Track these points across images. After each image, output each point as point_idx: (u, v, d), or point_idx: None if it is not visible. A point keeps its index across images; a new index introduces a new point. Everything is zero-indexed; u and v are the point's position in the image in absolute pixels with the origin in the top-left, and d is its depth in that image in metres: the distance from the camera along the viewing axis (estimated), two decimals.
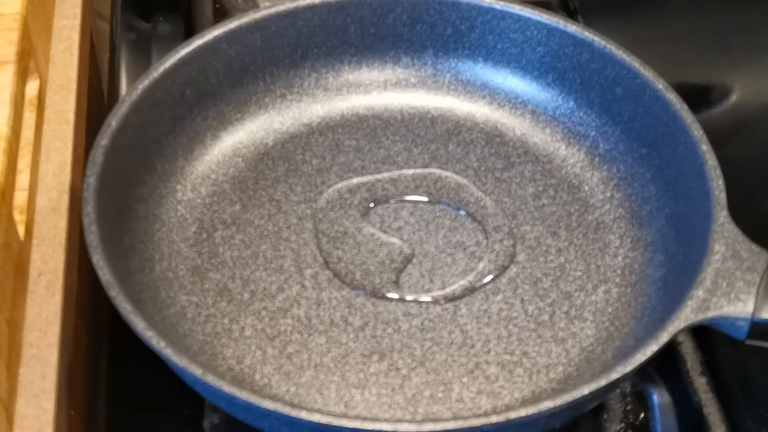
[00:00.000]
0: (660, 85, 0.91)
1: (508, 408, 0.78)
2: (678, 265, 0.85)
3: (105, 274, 0.76)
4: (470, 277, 0.88)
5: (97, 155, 0.84)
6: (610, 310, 0.86)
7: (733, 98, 1.08)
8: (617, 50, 0.94)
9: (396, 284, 0.88)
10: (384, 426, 0.70)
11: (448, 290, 0.87)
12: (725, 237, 0.79)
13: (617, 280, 0.88)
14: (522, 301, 0.87)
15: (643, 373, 0.78)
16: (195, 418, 0.82)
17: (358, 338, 0.84)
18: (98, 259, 0.77)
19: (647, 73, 0.92)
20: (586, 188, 0.95)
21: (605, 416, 0.84)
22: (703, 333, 0.86)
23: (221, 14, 1.11)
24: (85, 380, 0.83)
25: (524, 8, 0.97)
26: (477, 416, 0.71)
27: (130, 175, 0.88)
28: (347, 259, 0.89)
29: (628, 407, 0.85)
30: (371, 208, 0.93)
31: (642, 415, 0.84)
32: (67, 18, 0.99)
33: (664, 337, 0.74)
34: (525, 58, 0.99)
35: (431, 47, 1.01)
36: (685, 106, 0.89)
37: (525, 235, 0.92)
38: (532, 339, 0.84)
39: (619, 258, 0.90)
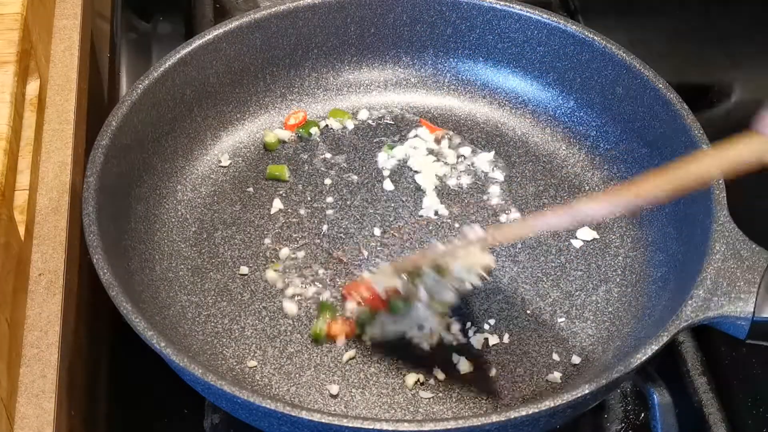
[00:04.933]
0: (660, 84, 0.91)
1: (509, 408, 0.78)
2: (678, 264, 0.85)
3: (105, 274, 0.76)
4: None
5: (97, 155, 0.84)
6: (610, 309, 0.86)
7: (733, 98, 1.08)
8: (617, 50, 0.94)
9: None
10: (385, 426, 0.70)
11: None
12: (725, 236, 0.79)
13: (618, 279, 0.88)
14: (522, 300, 0.87)
15: (643, 372, 0.78)
16: (195, 417, 0.82)
17: (358, 338, 0.84)
18: (98, 259, 0.77)
19: (647, 72, 0.92)
20: (587, 188, 0.95)
21: (605, 416, 0.84)
22: (703, 333, 0.86)
23: (221, 14, 1.11)
24: (85, 380, 0.83)
25: (525, 8, 0.97)
26: (478, 416, 0.71)
27: (130, 175, 0.88)
28: (347, 259, 0.89)
29: (629, 407, 0.85)
30: (373, 208, 0.94)
31: (642, 415, 0.84)
32: (67, 18, 0.99)
33: (664, 337, 0.74)
34: (525, 58, 0.99)
35: (431, 47, 1.01)
36: (685, 106, 0.89)
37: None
38: (533, 339, 0.84)
39: (620, 258, 0.90)
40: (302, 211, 0.93)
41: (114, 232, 0.83)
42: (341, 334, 0.83)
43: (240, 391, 0.71)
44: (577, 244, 0.91)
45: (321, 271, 0.88)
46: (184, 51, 0.93)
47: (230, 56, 0.96)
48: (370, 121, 1.00)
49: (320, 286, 0.87)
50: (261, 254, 0.89)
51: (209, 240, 0.90)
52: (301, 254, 0.89)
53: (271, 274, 0.87)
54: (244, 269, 0.88)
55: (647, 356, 0.73)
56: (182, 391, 0.78)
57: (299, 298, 0.86)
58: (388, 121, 1.00)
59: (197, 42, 0.94)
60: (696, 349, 0.87)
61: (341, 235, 0.91)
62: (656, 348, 0.74)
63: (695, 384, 0.85)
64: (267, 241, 0.90)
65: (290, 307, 0.85)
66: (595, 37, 0.95)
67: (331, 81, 1.01)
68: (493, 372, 0.82)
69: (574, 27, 0.96)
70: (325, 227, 0.92)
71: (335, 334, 0.83)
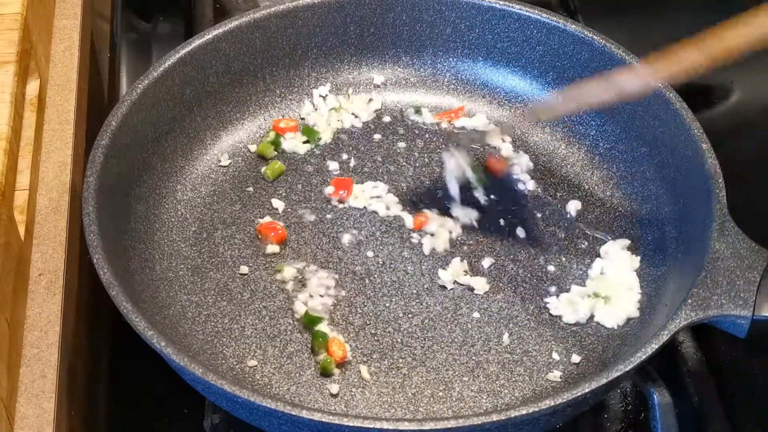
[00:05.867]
0: (659, 84, 0.91)
1: (509, 407, 0.78)
2: (678, 263, 0.85)
3: (105, 274, 0.76)
4: (471, 276, 0.88)
5: (97, 155, 0.84)
6: None
7: (733, 98, 1.08)
8: (617, 49, 0.94)
9: (397, 283, 0.88)
10: (385, 425, 0.70)
11: (449, 289, 0.88)
12: (725, 235, 0.79)
13: None
14: (522, 299, 0.87)
15: (643, 372, 0.78)
16: (195, 417, 0.82)
17: (358, 337, 0.84)
18: (98, 259, 0.77)
19: None
20: (586, 187, 0.95)
21: (605, 416, 0.84)
22: (703, 333, 0.86)
23: (221, 14, 1.11)
24: (85, 380, 0.83)
25: (524, 7, 0.97)
26: (478, 415, 0.71)
27: (130, 174, 0.88)
28: (347, 258, 0.89)
29: (629, 407, 0.85)
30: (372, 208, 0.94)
31: (642, 414, 0.83)
32: (67, 18, 0.99)
33: (664, 336, 0.74)
34: (525, 57, 0.99)
35: (431, 46, 1.01)
36: (684, 105, 0.89)
37: (525, 233, 0.92)
38: (533, 338, 0.84)
39: None
40: (301, 211, 0.93)
41: (114, 232, 0.83)
42: (341, 352, 0.82)
43: (240, 390, 0.71)
44: (581, 244, 0.91)
45: (322, 271, 0.88)
46: (183, 51, 0.93)
47: (230, 56, 0.96)
48: (369, 121, 1.00)
49: (324, 284, 0.87)
50: (261, 254, 0.89)
51: (209, 240, 0.90)
52: (302, 253, 0.89)
53: (287, 272, 0.88)
54: (244, 269, 0.88)
55: (647, 355, 0.73)
56: (182, 391, 0.78)
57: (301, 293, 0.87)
58: (388, 120, 1.00)
59: (197, 42, 0.94)
60: (696, 349, 0.87)
61: (342, 233, 0.91)
62: (656, 347, 0.74)
63: (695, 384, 0.85)
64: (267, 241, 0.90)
65: (300, 307, 0.85)
66: (595, 37, 0.95)
67: (330, 80, 1.01)
68: (493, 371, 0.82)
69: (573, 26, 0.96)
70: (325, 226, 0.92)
71: (341, 358, 0.82)
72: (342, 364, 0.82)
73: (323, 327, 0.84)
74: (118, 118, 0.87)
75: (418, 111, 0.99)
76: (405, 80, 1.02)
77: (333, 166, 0.96)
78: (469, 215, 0.92)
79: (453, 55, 1.01)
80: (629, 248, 0.89)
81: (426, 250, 0.90)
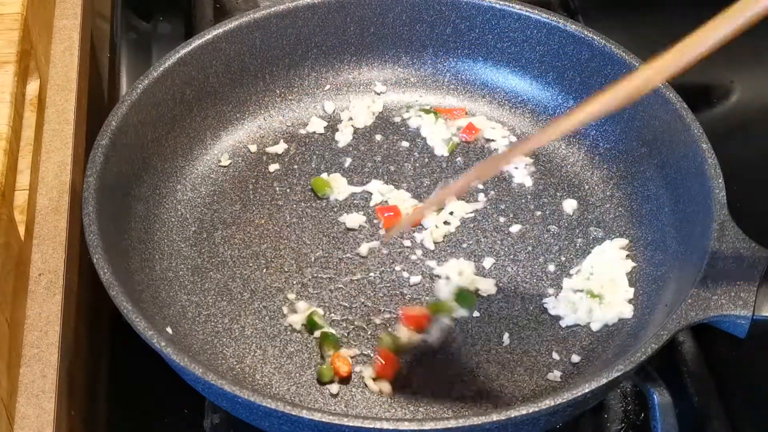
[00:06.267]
0: (659, 84, 0.91)
1: (509, 406, 0.78)
2: (678, 263, 0.84)
3: (105, 274, 0.76)
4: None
5: (97, 155, 0.84)
6: None
7: (733, 98, 1.08)
8: (617, 49, 0.94)
9: (398, 283, 0.88)
10: (385, 425, 0.70)
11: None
12: (725, 235, 0.79)
13: None
14: (522, 299, 0.87)
15: (643, 372, 0.78)
16: (195, 417, 0.82)
17: (359, 337, 0.84)
18: (98, 259, 0.77)
19: None
20: (586, 187, 0.95)
21: (605, 416, 0.84)
22: (703, 333, 0.86)
23: (221, 14, 1.11)
24: (85, 380, 0.83)
25: (524, 7, 0.97)
26: (478, 415, 0.71)
27: (130, 174, 0.88)
28: (347, 259, 0.89)
29: (629, 407, 0.85)
30: (372, 208, 0.94)
31: (642, 415, 0.83)
32: (67, 18, 0.99)
33: (664, 336, 0.74)
34: (525, 57, 0.99)
35: (431, 46, 1.01)
36: (684, 105, 0.89)
37: (525, 233, 0.92)
38: (533, 337, 0.84)
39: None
40: (301, 211, 0.93)
41: (114, 232, 0.83)
42: (347, 367, 0.82)
43: (240, 390, 0.71)
44: (581, 243, 0.91)
45: (322, 271, 0.88)
46: (183, 51, 0.93)
47: (230, 56, 0.96)
48: (369, 122, 1.00)
49: (324, 284, 0.87)
50: (261, 254, 0.89)
51: (209, 240, 0.90)
52: (301, 254, 0.90)
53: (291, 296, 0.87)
54: (244, 269, 0.88)
55: (647, 355, 0.73)
56: (182, 391, 0.78)
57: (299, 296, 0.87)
58: (389, 121, 1.00)
59: (197, 42, 0.94)
60: (696, 349, 0.87)
61: (341, 234, 0.91)
62: (656, 347, 0.74)
63: (695, 384, 0.84)
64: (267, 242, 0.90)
65: (294, 319, 0.85)
66: (595, 37, 0.95)
67: (330, 80, 1.01)
68: (493, 371, 0.82)
69: (573, 26, 0.96)
70: (324, 226, 0.92)
71: (344, 374, 0.81)
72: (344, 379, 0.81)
73: (323, 327, 0.83)
74: (118, 118, 0.87)
75: (418, 111, 0.99)
76: (405, 80, 1.02)
77: (333, 165, 0.96)
78: (464, 209, 0.93)
79: (453, 55, 1.01)
80: (624, 248, 0.89)
81: (428, 245, 0.90)
